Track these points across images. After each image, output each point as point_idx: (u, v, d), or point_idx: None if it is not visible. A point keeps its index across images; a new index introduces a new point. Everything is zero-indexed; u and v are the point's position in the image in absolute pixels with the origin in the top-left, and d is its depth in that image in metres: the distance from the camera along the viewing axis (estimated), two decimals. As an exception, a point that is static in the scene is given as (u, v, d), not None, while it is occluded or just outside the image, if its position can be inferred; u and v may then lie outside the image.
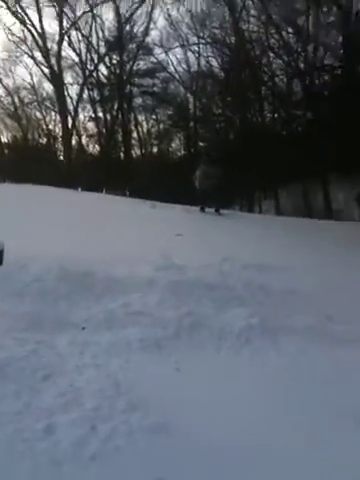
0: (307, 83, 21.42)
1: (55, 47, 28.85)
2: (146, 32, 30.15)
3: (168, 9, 29.00)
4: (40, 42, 28.18)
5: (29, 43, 28.92)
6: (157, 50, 30.81)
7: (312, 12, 20.62)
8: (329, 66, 20.78)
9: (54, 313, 5.17)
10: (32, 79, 32.49)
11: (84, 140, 34.78)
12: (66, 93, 30.51)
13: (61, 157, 33.32)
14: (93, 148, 35.75)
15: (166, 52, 30.28)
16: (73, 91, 31.95)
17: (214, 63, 28.58)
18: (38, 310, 5.15)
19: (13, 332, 4.64)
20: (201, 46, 28.62)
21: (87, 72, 30.66)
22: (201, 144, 30.67)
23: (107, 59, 31.45)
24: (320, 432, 3.50)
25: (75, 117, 30.84)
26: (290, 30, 21.85)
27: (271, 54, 23.31)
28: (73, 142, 31.70)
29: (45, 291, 5.54)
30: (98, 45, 30.85)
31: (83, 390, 3.77)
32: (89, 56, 30.91)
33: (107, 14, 31.18)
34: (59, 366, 4.14)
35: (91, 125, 33.90)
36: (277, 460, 3.14)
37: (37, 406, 3.51)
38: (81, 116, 33.16)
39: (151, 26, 29.99)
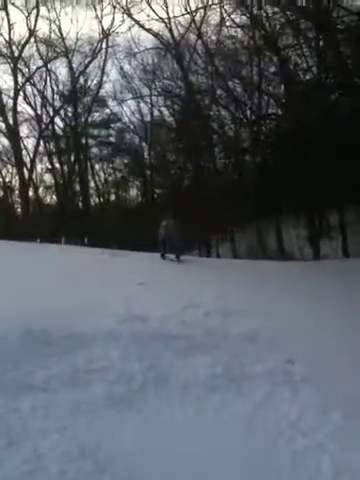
0: (254, 130, 22.48)
1: (10, 102, 29.16)
2: (99, 85, 30.96)
3: (120, 62, 30.12)
4: (-5, 98, 28.41)
5: (-17, 99, 29.06)
6: (111, 102, 31.73)
7: (255, 63, 21.87)
8: (273, 115, 21.92)
9: (16, 375, 5.05)
10: (-13, 134, 32.57)
11: (41, 192, 34.79)
12: (22, 146, 30.66)
13: (19, 209, 33.06)
14: (51, 199, 35.76)
15: (120, 104, 31.23)
16: (29, 144, 32.14)
17: (166, 113, 29.70)
18: (-1, 373, 5.04)
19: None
20: (153, 97, 29.71)
21: (43, 125, 30.98)
22: (157, 191, 31.32)
23: (62, 112, 32.00)
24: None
25: (32, 169, 30.85)
26: (236, 80, 23.00)
27: (219, 104, 24.41)
28: (30, 194, 31.59)
29: (6, 353, 5.43)
30: (53, 99, 31.41)
31: (48, 455, 3.71)
32: (44, 110, 31.36)
33: (61, 68, 31.81)
34: (22, 431, 4.06)
35: (48, 177, 34.06)
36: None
37: (2, 475, 3.44)
38: (38, 168, 33.28)
39: (104, 79, 30.87)
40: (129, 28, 28.08)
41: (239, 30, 21.33)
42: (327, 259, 17.65)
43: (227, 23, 22.32)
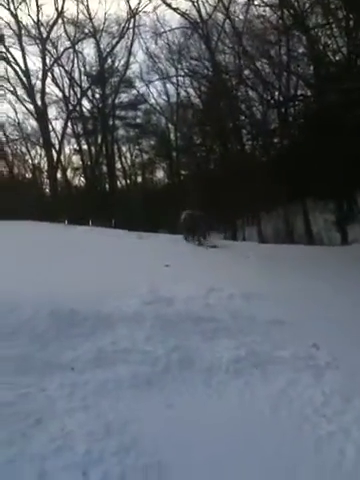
0: (282, 112, 22.06)
1: (39, 84, 29.32)
2: (126, 66, 30.85)
3: (146, 42, 29.88)
4: (24, 79, 28.58)
5: (13, 81, 29.37)
6: (138, 83, 31.58)
7: (283, 43, 21.31)
8: (301, 96, 21.42)
9: (43, 355, 5.16)
10: (16, 115, 33.03)
11: (69, 173, 35.09)
12: (51, 128, 30.90)
13: (47, 190, 33.44)
14: (79, 180, 36.07)
15: (146, 85, 31.06)
16: (57, 125, 32.45)
17: (193, 93, 29.40)
18: (27, 352, 5.13)
19: (2, 376, 4.63)
20: (180, 78, 29.42)
21: (70, 107, 31.12)
22: (183, 172, 31.21)
23: (90, 93, 32.05)
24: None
25: (60, 151, 31.12)
26: (264, 60, 22.52)
27: (247, 85, 24.00)
28: (58, 175, 31.90)
29: (35, 333, 5.53)
30: (81, 80, 31.50)
31: (74, 433, 3.79)
32: (72, 91, 31.49)
33: (88, 50, 31.80)
34: (50, 410, 4.16)
35: (76, 158, 34.30)
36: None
37: (30, 453, 3.53)
38: (66, 149, 33.53)
39: (131, 60, 30.74)
40: (155, 8, 27.83)
41: (267, 9, 20.76)
42: (355, 244, 17.36)
43: (255, 2, 21.76)
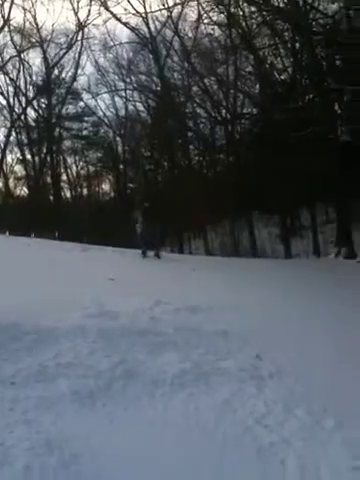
0: (229, 129, 22.63)
1: (-18, 91, 28.58)
2: (74, 77, 30.68)
3: (95, 55, 29.83)
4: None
5: None
6: (85, 95, 31.40)
7: (231, 61, 21.94)
8: (248, 114, 22.11)
9: (-19, 369, 4.97)
10: None
11: (12, 183, 34.18)
12: (-7, 136, 30.09)
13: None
14: (21, 191, 35.19)
15: (94, 97, 30.94)
16: (0, 134, 31.59)
17: (141, 108, 29.59)
18: (-36, 367, 4.94)
19: None
20: (128, 91, 29.54)
21: (15, 115, 30.50)
22: (130, 185, 31.23)
23: (35, 103, 31.55)
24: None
25: (2, 160, 30.32)
26: (212, 78, 23.07)
27: (195, 102, 24.48)
28: (0, 184, 31.06)
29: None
30: (26, 89, 30.99)
31: (14, 448, 3.66)
32: (17, 100, 30.89)
33: (35, 59, 31.36)
34: (-12, 425, 3.99)
35: (19, 168, 33.51)
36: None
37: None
38: (8, 159, 32.71)
39: (79, 72, 30.57)
40: (105, 22, 27.85)
41: (216, 28, 21.35)
42: (298, 258, 17.96)
43: (204, 20, 22.28)
